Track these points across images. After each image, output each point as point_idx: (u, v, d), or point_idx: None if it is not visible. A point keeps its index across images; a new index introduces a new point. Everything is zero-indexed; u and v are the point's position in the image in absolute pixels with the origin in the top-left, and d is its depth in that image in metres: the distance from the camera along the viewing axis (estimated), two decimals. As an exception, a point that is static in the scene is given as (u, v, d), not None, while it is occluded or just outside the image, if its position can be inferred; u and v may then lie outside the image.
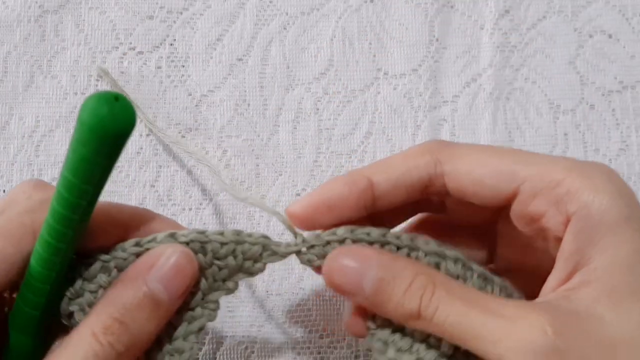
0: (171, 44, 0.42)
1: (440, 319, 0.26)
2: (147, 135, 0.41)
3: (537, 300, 0.27)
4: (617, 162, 0.42)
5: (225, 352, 0.39)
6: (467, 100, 0.43)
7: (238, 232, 0.30)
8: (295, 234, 0.31)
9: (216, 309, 0.31)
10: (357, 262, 0.27)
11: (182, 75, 0.42)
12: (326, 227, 0.30)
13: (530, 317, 0.25)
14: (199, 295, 0.30)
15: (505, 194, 0.28)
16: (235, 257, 0.30)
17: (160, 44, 0.42)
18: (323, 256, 0.29)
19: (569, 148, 0.42)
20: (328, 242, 0.29)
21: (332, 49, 0.43)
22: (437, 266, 0.29)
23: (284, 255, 0.30)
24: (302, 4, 0.44)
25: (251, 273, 0.31)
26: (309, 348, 0.39)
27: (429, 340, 0.28)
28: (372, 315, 0.29)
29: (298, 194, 0.41)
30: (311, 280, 0.40)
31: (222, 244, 0.30)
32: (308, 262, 0.30)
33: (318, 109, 0.42)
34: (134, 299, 0.26)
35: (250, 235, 0.30)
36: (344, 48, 0.43)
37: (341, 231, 0.29)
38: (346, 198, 0.29)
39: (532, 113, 0.43)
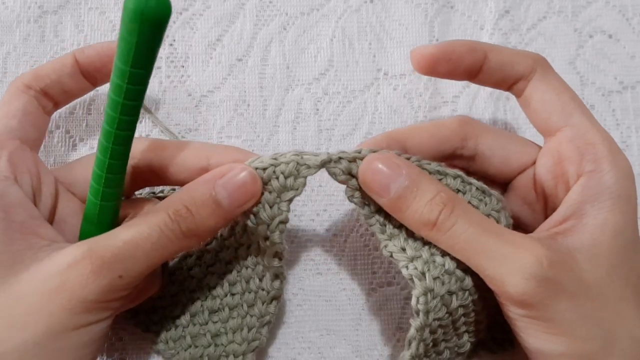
0: (171, 44, 0.42)
1: (456, 233, 0.30)
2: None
3: (533, 235, 0.32)
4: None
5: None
6: (467, 100, 0.43)
7: (274, 155, 0.33)
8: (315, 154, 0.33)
9: (286, 220, 0.33)
10: (389, 168, 0.31)
11: (182, 75, 0.42)
12: (443, 75, 0.35)
13: (532, 248, 0.29)
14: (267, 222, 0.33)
15: (555, 125, 0.33)
16: (277, 178, 0.32)
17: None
18: (348, 172, 0.33)
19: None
20: (354, 159, 0.32)
21: (332, 50, 0.43)
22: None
23: (316, 167, 0.33)
24: (302, 4, 0.43)
25: (296, 189, 0.33)
26: (309, 348, 0.39)
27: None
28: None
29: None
30: (311, 281, 0.40)
31: (263, 169, 0.32)
32: (334, 175, 0.33)
33: (318, 110, 0.42)
34: (202, 196, 0.31)
35: (283, 155, 0.33)
36: (344, 48, 0.43)
37: (365, 151, 0.33)
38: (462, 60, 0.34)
39: (532, 113, 0.43)
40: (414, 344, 0.32)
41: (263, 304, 0.36)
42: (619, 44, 0.45)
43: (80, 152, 0.41)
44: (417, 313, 0.32)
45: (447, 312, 0.32)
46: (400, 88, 0.43)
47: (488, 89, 0.43)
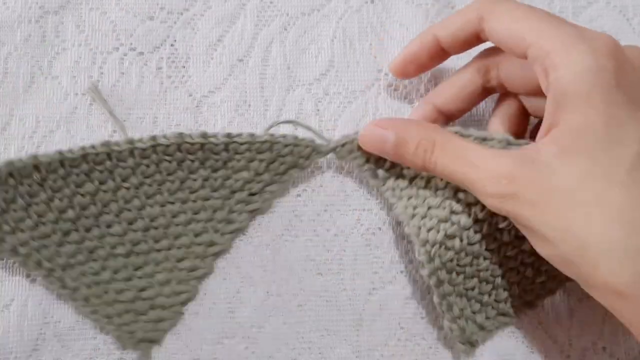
0: (172, 45, 0.42)
1: (438, 170, 0.35)
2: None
3: (518, 150, 0.34)
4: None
5: (225, 352, 0.39)
6: (468, 101, 0.43)
7: (296, 136, 0.39)
8: (328, 140, 0.40)
9: (269, 199, 0.40)
10: (381, 128, 0.37)
11: (183, 76, 0.42)
12: (414, 75, 0.42)
13: (490, 165, 0.33)
14: (261, 185, 0.39)
15: (523, 54, 0.34)
16: (292, 155, 0.39)
17: (161, 45, 0.42)
18: (351, 151, 0.39)
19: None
20: (353, 140, 0.39)
21: (332, 50, 0.43)
22: None
23: (326, 153, 0.40)
24: (303, 5, 0.44)
25: (303, 168, 0.40)
26: (309, 348, 0.39)
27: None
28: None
29: (299, 195, 0.41)
30: (312, 281, 0.40)
31: (286, 145, 0.39)
32: (341, 157, 0.40)
33: (319, 110, 0.42)
34: None
35: (304, 139, 0.39)
36: (345, 49, 0.43)
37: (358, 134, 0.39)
38: (420, 53, 0.39)
39: (532, 114, 0.43)
40: (433, 281, 0.37)
41: (197, 258, 0.38)
42: (619, 44, 0.45)
43: (81, 152, 0.41)
44: (422, 264, 0.37)
45: (455, 253, 0.37)
46: (401, 89, 0.43)
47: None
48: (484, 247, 0.38)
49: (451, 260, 0.37)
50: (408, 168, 0.38)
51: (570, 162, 0.31)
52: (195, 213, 0.39)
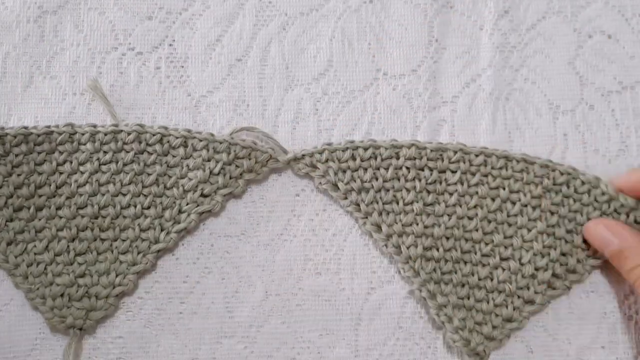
0: (170, 45, 0.42)
1: None
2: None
3: None
4: (617, 162, 0.42)
5: (224, 352, 0.39)
6: (467, 100, 0.43)
7: (254, 142, 0.40)
8: (287, 152, 0.40)
9: (219, 202, 0.39)
10: (609, 232, 0.39)
11: (182, 75, 0.42)
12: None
13: None
14: (214, 187, 0.39)
15: None
16: (249, 159, 0.39)
17: (160, 45, 0.42)
18: (312, 165, 0.40)
19: (568, 148, 0.42)
20: (312, 154, 0.40)
21: (331, 50, 0.43)
22: None
23: (283, 162, 0.40)
24: (302, 5, 0.43)
25: (258, 174, 0.40)
26: (308, 347, 0.39)
27: None
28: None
29: (297, 195, 0.41)
30: (310, 281, 0.40)
31: (244, 148, 0.39)
32: (298, 170, 0.40)
33: (317, 110, 0.42)
34: None
35: (262, 146, 0.40)
36: (343, 48, 0.43)
37: (319, 147, 0.40)
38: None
39: (531, 113, 0.43)
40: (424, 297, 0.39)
41: (139, 254, 0.38)
42: (618, 44, 0.44)
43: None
44: (409, 279, 0.39)
45: (436, 262, 0.39)
46: (400, 88, 0.43)
47: (487, 90, 0.43)
48: (459, 251, 0.39)
49: (434, 270, 0.39)
50: (370, 181, 0.39)
51: None
52: (145, 208, 0.39)
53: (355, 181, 0.39)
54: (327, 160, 0.39)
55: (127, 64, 0.42)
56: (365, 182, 0.39)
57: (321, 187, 0.40)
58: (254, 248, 0.40)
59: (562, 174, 0.40)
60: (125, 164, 0.39)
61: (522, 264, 0.39)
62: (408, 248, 0.39)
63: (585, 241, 0.39)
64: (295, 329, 0.40)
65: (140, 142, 0.39)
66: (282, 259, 0.40)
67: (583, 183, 0.39)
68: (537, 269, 0.39)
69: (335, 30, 0.43)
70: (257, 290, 0.40)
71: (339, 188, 0.39)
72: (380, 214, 0.39)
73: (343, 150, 0.40)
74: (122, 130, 0.39)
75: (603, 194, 0.39)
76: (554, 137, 0.43)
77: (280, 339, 0.39)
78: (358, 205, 0.39)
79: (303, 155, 0.40)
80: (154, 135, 0.39)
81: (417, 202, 0.39)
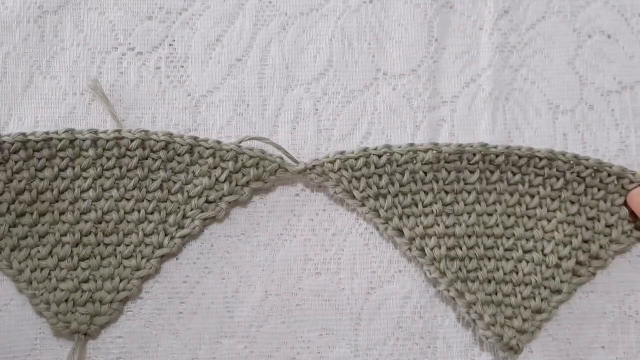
0: (170, 45, 0.43)
1: None
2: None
3: None
4: (617, 162, 0.42)
5: (225, 352, 0.39)
6: (467, 100, 0.43)
7: (263, 151, 0.39)
8: (297, 162, 0.40)
9: (224, 209, 0.39)
10: None
11: (182, 76, 0.42)
12: None
13: None
14: (219, 194, 0.39)
15: None
16: (257, 169, 0.39)
17: (160, 45, 0.43)
18: (323, 174, 0.40)
19: (568, 148, 0.42)
20: (323, 164, 0.39)
21: (331, 50, 0.43)
22: None
23: (293, 173, 0.40)
24: (302, 5, 0.44)
25: (265, 182, 0.40)
26: (309, 348, 0.39)
27: None
28: None
29: (297, 195, 0.41)
30: (310, 281, 0.40)
31: (252, 157, 0.39)
32: (311, 180, 0.40)
33: (317, 110, 0.42)
34: None
35: (271, 155, 0.39)
36: (344, 49, 0.43)
37: (331, 156, 0.40)
38: None
39: (531, 113, 0.43)
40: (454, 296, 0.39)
41: (143, 259, 0.38)
42: (618, 44, 0.45)
43: (80, 152, 0.41)
44: (436, 281, 0.39)
45: (461, 261, 0.39)
46: (400, 88, 0.43)
47: (487, 90, 0.43)
48: (482, 248, 0.39)
49: (460, 270, 0.39)
50: (386, 187, 0.39)
51: None
52: (150, 213, 0.39)
53: (371, 188, 0.39)
54: (339, 170, 0.39)
55: (128, 64, 0.42)
56: (382, 188, 0.39)
57: (337, 195, 0.40)
58: (254, 248, 0.40)
59: (587, 168, 0.40)
60: (129, 170, 0.39)
61: (545, 255, 0.39)
62: (432, 250, 0.39)
63: (609, 226, 0.40)
64: (296, 329, 0.40)
65: (144, 149, 0.39)
66: (282, 259, 0.40)
67: (610, 175, 0.40)
68: (560, 259, 0.39)
69: (335, 31, 0.43)
70: (257, 290, 0.40)
71: (355, 196, 0.39)
72: (400, 218, 0.39)
73: (356, 159, 0.39)
74: (124, 137, 0.38)
75: (631, 182, 0.40)
76: (554, 137, 0.43)
77: (281, 339, 0.39)
78: (377, 211, 0.39)
79: (314, 165, 0.39)
80: (158, 142, 0.38)
81: (437, 203, 0.39)
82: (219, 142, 0.39)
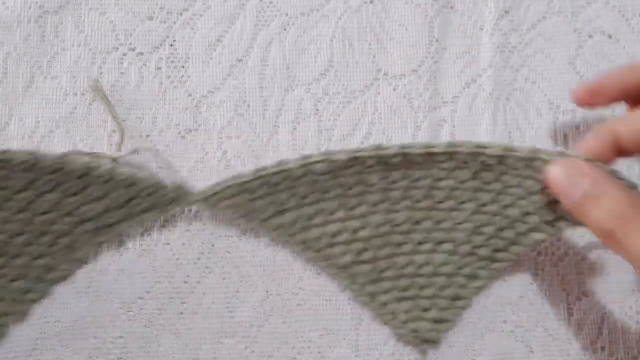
0: (171, 45, 0.43)
1: (629, 243, 0.30)
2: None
3: None
4: (617, 163, 0.42)
5: (225, 352, 0.39)
6: (467, 100, 0.43)
7: (158, 182, 0.38)
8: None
9: (118, 234, 0.38)
10: (568, 177, 0.33)
11: (182, 76, 0.42)
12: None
13: None
14: (114, 219, 0.38)
15: None
16: (153, 197, 0.38)
17: (160, 45, 0.43)
18: (216, 203, 0.38)
19: (569, 149, 0.42)
20: (216, 193, 0.38)
21: (331, 50, 0.43)
22: None
23: (190, 203, 0.38)
24: (302, 5, 0.44)
25: (162, 213, 0.38)
26: (308, 347, 0.39)
27: None
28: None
29: (298, 195, 0.41)
30: (311, 280, 0.40)
31: (145, 187, 0.37)
32: (210, 207, 0.38)
33: (318, 110, 0.42)
34: None
35: (166, 185, 0.38)
36: (344, 49, 0.43)
37: (224, 182, 0.38)
38: (594, 150, 0.34)
39: (532, 113, 0.43)
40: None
41: (32, 280, 0.37)
42: (618, 44, 0.45)
43: (80, 152, 0.41)
44: (348, 287, 0.39)
45: (370, 264, 0.39)
46: (400, 88, 0.43)
47: (488, 90, 0.43)
48: (391, 246, 0.39)
49: (371, 272, 0.38)
50: (287, 202, 0.38)
51: None
52: (37, 236, 0.37)
53: (270, 206, 0.38)
54: (234, 196, 0.38)
55: (128, 64, 0.42)
56: (282, 204, 0.38)
57: (236, 218, 0.39)
58: (254, 248, 0.40)
59: (489, 156, 0.38)
60: (16, 192, 0.37)
61: (457, 245, 0.38)
62: (339, 257, 0.38)
63: (527, 213, 0.38)
64: (296, 328, 0.40)
65: (30, 171, 0.37)
66: (282, 259, 0.40)
67: (519, 159, 0.37)
68: (475, 247, 0.38)
69: (335, 31, 0.43)
70: (257, 290, 0.40)
71: (254, 219, 0.38)
72: (304, 230, 0.39)
73: (250, 181, 0.38)
74: (12, 159, 0.36)
75: (545, 162, 0.37)
76: (555, 137, 0.43)
77: (281, 339, 0.39)
78: (280, 228, 0.39)
79: (213, 193, 0.38)
80: (50, 165, 0.37)
81: (340, 209, 0.39)
82: (114, 160, 0.38)
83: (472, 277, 0.38)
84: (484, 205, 0.38)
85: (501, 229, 0.38)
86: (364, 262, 0.38)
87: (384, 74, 0.43)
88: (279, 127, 0.42)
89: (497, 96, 0.43)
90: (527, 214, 0.38)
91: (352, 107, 0.42)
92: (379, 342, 0.40)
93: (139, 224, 0.39)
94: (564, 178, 0.33)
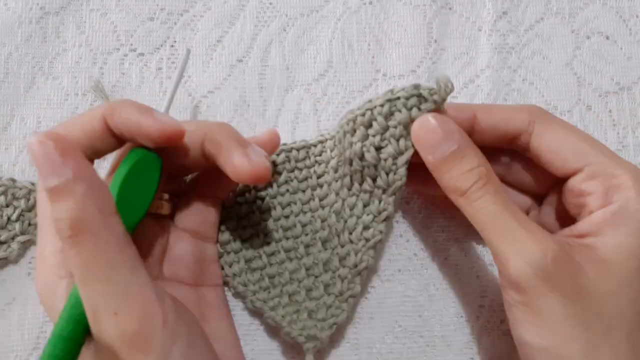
0: (172, 46, 0.43)
1: (480, 205, 0.32)
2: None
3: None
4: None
5: (225, 351, 0.39)
6: (465, 101, 0.43)
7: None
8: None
9: (15, 249, 0.38)
10: (444, 130, 0.33)
11: (182, 76, 0.42)
12: None
13: (543, 240, 0.30)
14: (11, 234, 0.37)
15: (572, 168, 0.34)
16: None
17: (161, 46, 0.43)
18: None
19: (566, 149, 0.43)
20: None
21: (331, 51, 0.43)
22: None
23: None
24: (302, 6, 0.44)
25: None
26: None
27: None
28: None
29: (297, 194, 0.41)
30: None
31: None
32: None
33: (317, 110, 0.43)
34: None
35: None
36: (343, 50, 0.43)
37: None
38: (453, 119, 0.34)
39: (529, 114, 0.43)
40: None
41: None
42: (615, 45, 0.45)
43: (81, 152, 0.41)
44: (241, 294, 0.38)
45: (261, 270, 0.38)
46: (399, 89, 0.43)
47: (486, 90, 0.43)
48: (282, 252, 0.38)
49: (262, 278, 0.38)
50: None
51: (610, 275, 0.31)
52: None
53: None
54: None
55: (129, 64, 0.42)
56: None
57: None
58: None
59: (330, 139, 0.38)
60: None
61: (338, 236, 0.38)
62: (230, 266, 0.38)
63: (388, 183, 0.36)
64: (296, 327, 0.40)
65: None
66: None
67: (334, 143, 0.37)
68: (350, 232, 0.37)
69: (335, 32, 0.44)
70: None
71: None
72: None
73: None
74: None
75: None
76: (552, 138, 0.43)
77: (280, 337, 0.39)
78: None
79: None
80: None
81: (232, 219, 0.39)
82: (13, 180, 0.38)
83: (354, 266, 0.37)
84: (351, 187, 0.37)
85: (366, 205, 0.37)
86: (255, 269, 0.38)
87: (383, 75, 0.43)
88: (278, 127, 0.42)
89: (495, 97, 0.43)
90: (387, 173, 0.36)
91: (352, 107, 0.43)
92: (377, 341, 0.40)
93: (36, 236, 0.37)
94: (439, 130, 0.33)
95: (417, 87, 0.34)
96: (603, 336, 0.30)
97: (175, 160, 0.34)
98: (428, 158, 0.33)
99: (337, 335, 0.40)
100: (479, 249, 0.41)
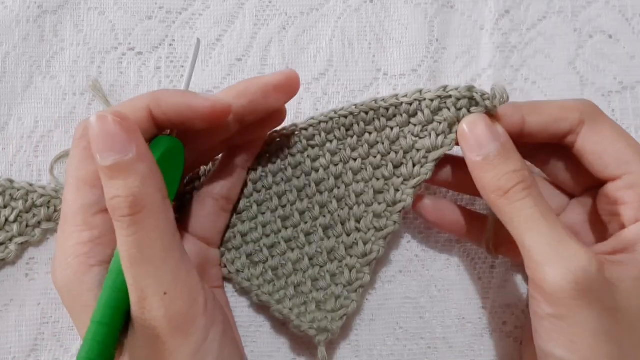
0: (170, 45, 0.42)
1: (521, 207, 0.31)
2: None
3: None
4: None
5: (224, 353, 0.39)
6: (467, 100, 0.43)
7: (55, 190, 0.37)
8: None
9: (13, 251, 0.38)
10: (490, 130, 0.33)
11: (182, 75, 0.42)
12: None
13: (586, 251, 0.29)
14: (9, 235, 0.37)
15: (611, 174, 0.33)
16: (48, 208, 0.37)
17: (160, 45, 0.42)
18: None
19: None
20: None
21: (331, 50, 0.43)
22: None
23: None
24: (302, 4, 0.43)
25: (57, 223, 0.37)
26: (308, 348, 0.39)
27: None
28: None
29: (297, 195, 0.41)
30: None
31: (43, 195, 0.38)
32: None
33: (317, 109, 0.42)
34: None
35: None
36: (344, 48, 0.43)
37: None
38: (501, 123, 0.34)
39: (531, 113, 0.43)
40: None
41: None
42: (618, 44, 0.45)
43: (79, 152, 0.41)
44: (245, 290, 0.38)
45: (263, 263, 0.38)
46: (400, 88, 0.43)
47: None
48: (282, 243, 0.38)
49: (265, 271, 0.38)
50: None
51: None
52: None
53: None
54: None
55: (127, 63, 0.42)
56: None
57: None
58: (254, 248, 0.40)
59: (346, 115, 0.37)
60: None
61: (342, 224, 0.37)
62: (233, 263, 0.38)
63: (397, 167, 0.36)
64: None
65: None
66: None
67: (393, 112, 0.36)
68: (357, 221, 0.37)
69: (335, 30, 0.43)
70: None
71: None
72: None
73: None
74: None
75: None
76: (555, 137, 0.43)
77: (280, 339, 0.39)
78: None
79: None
80: None
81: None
82: (10, 181, 0.38)
83: (364, 255, 0.36)
84: (376, 170, 0.37)
85: (380, 192, 0.36)
86: (257, 262, 0.38)
87: (384, 74, 0.43)
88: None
89: (497, 96, 0.43)
90: (400, 165, 0.36)
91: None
92: (378, 342, 0.39)
93: (34, 237, 0.38)
94: (485, 130, 0.33)
95: (470, 89, 0.34)
96: (632, 351, 0.30)
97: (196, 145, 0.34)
98: (472, 156, 0.33)
99: (338, 336, 0.39)
100: (481, 250, 0.41)
